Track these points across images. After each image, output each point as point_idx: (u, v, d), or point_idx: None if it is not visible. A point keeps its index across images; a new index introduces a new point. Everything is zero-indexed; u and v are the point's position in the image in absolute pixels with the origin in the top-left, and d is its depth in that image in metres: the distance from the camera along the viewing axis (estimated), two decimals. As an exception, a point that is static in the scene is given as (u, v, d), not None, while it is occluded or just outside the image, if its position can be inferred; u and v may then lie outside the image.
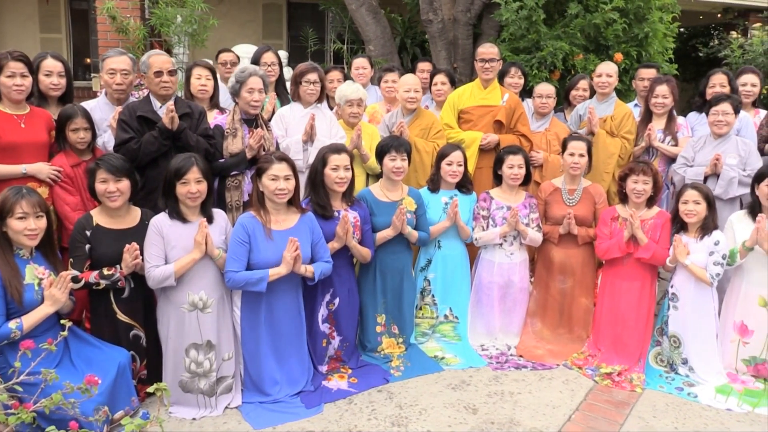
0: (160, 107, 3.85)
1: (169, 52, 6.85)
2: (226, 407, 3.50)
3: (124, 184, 3.37)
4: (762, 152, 4.72)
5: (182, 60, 7.18)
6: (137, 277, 3.41)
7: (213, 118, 4.29)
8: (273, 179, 3.49)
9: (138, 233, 3.41)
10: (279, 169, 3.49)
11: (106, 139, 4.07)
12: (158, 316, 3.49)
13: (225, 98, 4.69)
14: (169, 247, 3.35)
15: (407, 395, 3.69)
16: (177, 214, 3.40)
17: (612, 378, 3.91)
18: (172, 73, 3.90)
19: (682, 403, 3.69)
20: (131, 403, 3.22)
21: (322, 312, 3.88)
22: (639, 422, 3.47)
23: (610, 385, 3.86)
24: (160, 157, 3.77)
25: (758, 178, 3.90)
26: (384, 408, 3.55)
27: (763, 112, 5.06)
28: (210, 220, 3.48)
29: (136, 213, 3.52)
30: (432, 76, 5.37)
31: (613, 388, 3.83)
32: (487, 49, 4.95)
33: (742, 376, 3.94)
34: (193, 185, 3.36)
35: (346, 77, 5.20)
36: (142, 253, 3.34)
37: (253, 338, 3.57)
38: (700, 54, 9.70)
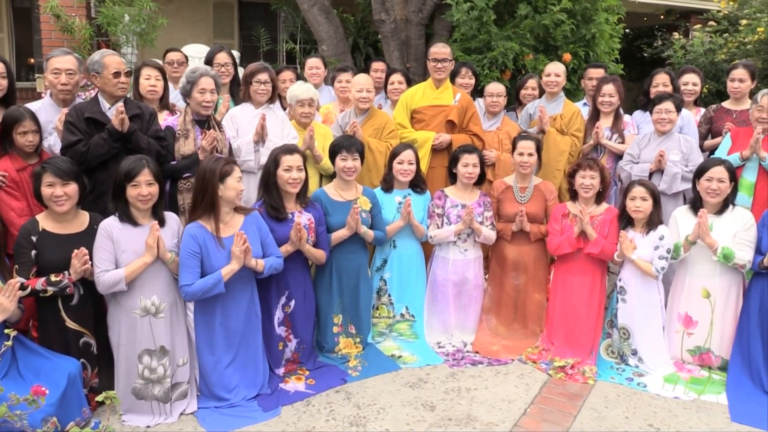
0: (109, 108, 3.76)
1: (116, 51, 6.69)
2: (182, 413, 3.45)
3: (72, 188, 3.28)
4: (702, 149, 4.90)
5: (131, 60, 7.02)
6: (87, 283, 3.32)
7: (163, 119, 4.21)
8: (238, 181, 3.49)
9: (87, 238, 3.32)
10: (239, 171, 3.53)
11: (52, 142, 3.95)
12: (109, 323, 3.40)
13: (175, 98, 4.62)
14: (120, 251, 3.28)
15: (365, 395, 3.70)
16: (127, 218, 3.33)
17: (565, 371, 4.00)
18: (128, 74, 3.83)
19: (632, 393, 3.80)
20: (82, 413, 3.14)
21: (278, 315, 3.86)
22: (592, 413, 3.56)
23: (563, 378, 3.95)
24: (110, 159, 3.68)
25: (698, 174, 4.04)
26: (342, 408, 3.55)
27: (703, 110, 5.25)
28: (162, 223, 3.42)
29: (84, 217, 3.43)
30: (388, 76, 5.39)
31: (566, 381, 3.92)
32: (440, 49, 5.00)
33: (688, 365, 4.08)
34: (143, 188, 3.29)
35: (299, 77, 5.17)
36: (91, 258, 3.26)
37: (207, 342, 3.52)
38: (645, 54, 9.98)
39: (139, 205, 3.32)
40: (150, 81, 4.39)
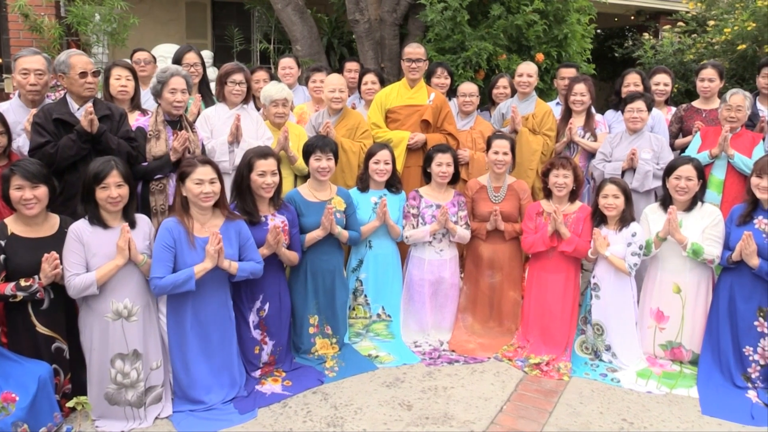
0: (78, 109, 3.70)
1: (86, 51, 6.59)
2: (156, 418, 3.41)
3: (41, 191, 3.21)
4: (673, 147, 4.99)
5: (101, 60, 6.93)
6: (57, 287, 3.26)
7: (134, 119, 4.16)
8: (198, 183, 3.41)
9: (57, 241, 3.26)
10: (203, 172, 3.41)
11: (21, 144, 3.88)
12: (80, 327, 3.34)
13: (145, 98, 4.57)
14: (90, 254, 3.22)
15: (342, 395, 3.70)
16: (98, 220, 3.28)
17: (540, 368, 4.04)
18: (96, 74, 3.77)
19: (606, 389, 3.85)
20: (54, 418, 3.09)
21: (253, 319, 3.83)
22: (567, 409, 3.59)
23: (539, 374, 3.99)
24: (80, 161, 3.61)
25: (667, 172, 4.11)
26: (319, 409, 3.54)
27: (674, 110, 5.34)
28: (132, 225, 3.37)
29: (54, 220, 3.36)
30: (361, 76, 5.39)
31: (542, 378, 3.95)
32: (414, 49, 5.01)
33: (660, 360, 4.14)
34: (113, 190, 3.24)
35: (273, 77, 5.14)
36: (62, 262, 3.21)
37: (181, 345, 3.48)
38: (616, 54, 10.10)
39: (108, 207, 3.27)
40: (120, 81, 4.32)
